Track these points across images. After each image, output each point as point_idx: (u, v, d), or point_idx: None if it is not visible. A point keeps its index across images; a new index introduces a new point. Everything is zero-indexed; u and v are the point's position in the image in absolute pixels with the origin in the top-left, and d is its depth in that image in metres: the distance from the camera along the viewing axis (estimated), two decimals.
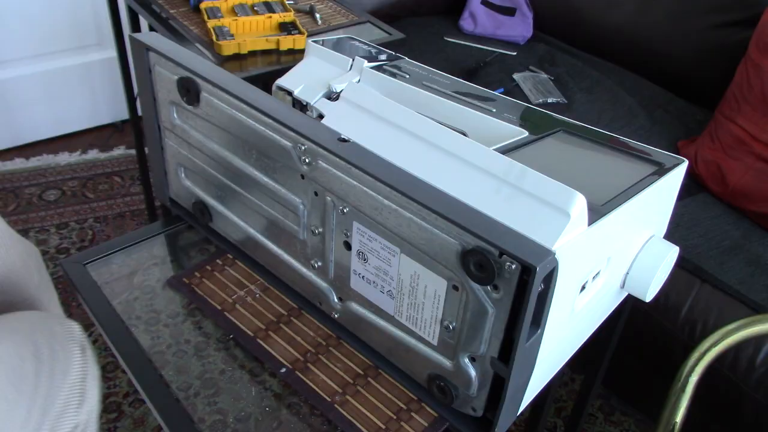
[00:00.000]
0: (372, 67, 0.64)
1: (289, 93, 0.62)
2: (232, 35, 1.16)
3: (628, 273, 0.58)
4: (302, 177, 0.52)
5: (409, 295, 0.49)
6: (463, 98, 0.63)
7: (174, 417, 0.53)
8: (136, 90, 1.47)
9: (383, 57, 0.68)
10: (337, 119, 0.53)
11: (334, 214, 0.52)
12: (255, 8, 1.23)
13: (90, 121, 2.11)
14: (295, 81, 0.63)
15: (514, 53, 1.73)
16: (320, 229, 0.54)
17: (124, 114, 2.12)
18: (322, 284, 0.57)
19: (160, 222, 0.73)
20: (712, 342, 0.68)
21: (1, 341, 0.47)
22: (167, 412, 0.54)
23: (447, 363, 0.49)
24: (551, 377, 0.56)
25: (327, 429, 0.53)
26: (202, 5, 1.20)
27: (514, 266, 0.40)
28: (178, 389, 0.56)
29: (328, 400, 0.54)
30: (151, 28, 1.21)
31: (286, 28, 1.21)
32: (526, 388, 0.49)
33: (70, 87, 2.02)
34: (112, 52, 1.87)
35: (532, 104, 0.97)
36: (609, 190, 0.51)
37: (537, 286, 0.40)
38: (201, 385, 0.56)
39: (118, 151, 2.04)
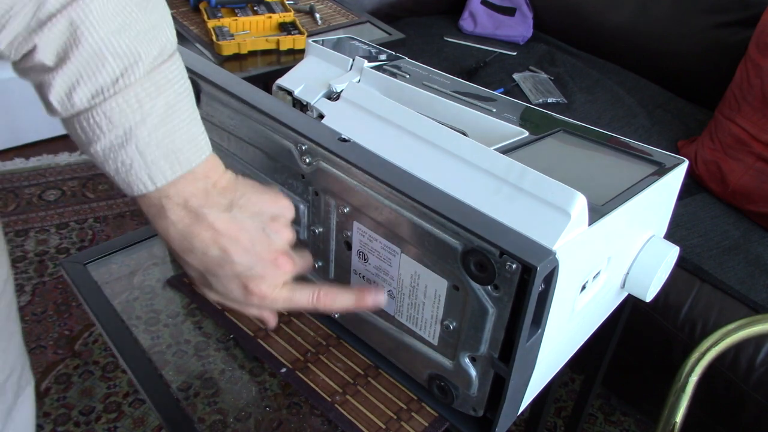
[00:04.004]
0: (372, 67, 0.64)
1: (290, 93, 0.62)
2: (232, 35, 1.16)
3: (628, 273, 0.58)
4: (302, 177, 0.52)
5: (409, 295, 0.49)
6: (463, 98, 0.63)
7: (174, 417, 0.53)
8: None
9: (383, 57, 0.68)
10: (338, 119, 0.53)
11: (335, 214, 0.52)
12: (255, 8, 1.23)
13: None
14: (296, 81, 0.63)
15: (514, 53, 1.73)
16: (320, 229, 0.54)
17: None
18: (323, 284, 0.57)
19: None
20: (712, 342, 0.68)
21: None
22: (167, 412, 0.54)
23: (447, 363, 0.49)
24: (551, 377, 0.56)
25: (327, 429, 0.53)
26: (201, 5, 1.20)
27: (514, 266, 0.40)
28: (178, 389, 0.56)
29: (328, 399, 0.54)
30: None
31: (286, 28, 1.21)
32: (526, 388, 0.49)
33: None
34: None
35: (532, 104, 0.97)
36: (609, 190, 0.51)
37: (537, 286, 0.40)
38: (201, 385, 0.56)
39: None
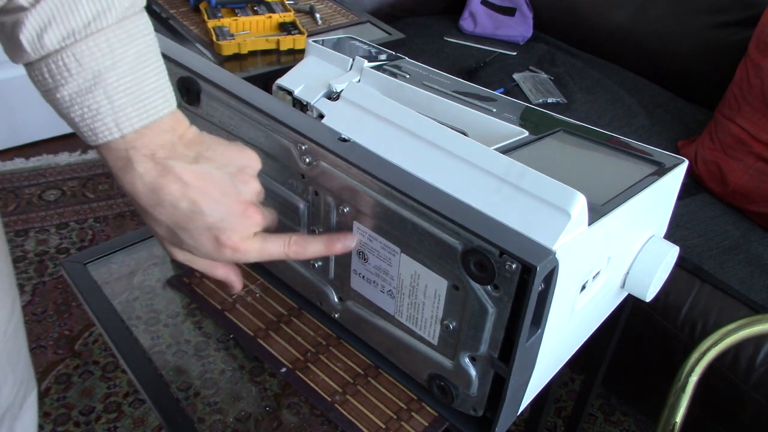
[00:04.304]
0: (372, 67, 0.64)
1: (290, 93, 0.62)
2: (232, 35, 1.16)
3: (628, 273, 0.58)
4: (302, 177, 0.52)
5: (409, 295, 0.49)
6: (464, 98, 0.63)
7: (174, 417, 0.53)
8: None
9: (383, 57, 0.68)
10: (338, 119, 0.53)
11: (334, 214, 0.52)
12: (255, 8, 1.23)
13: None
14: (296, 81, 0.63)
15: (514, 53, 1.73)
16: (320, 229, 0.54)
17: None
18: (323, 284, 0.57)
19: None
20: (712, 342, 0.68)
21: None
22: (167, 412, 0.54)
23: (447, 363, 0.49)
24: (551, 377, 0.56)
25: (327, 429, 0.53)
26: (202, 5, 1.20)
27: (514, 266, 0.40)
28: (178, 389, 0.56)
29: (328, 399, 0.54)
30: None
31: (286, 28, 1.21)
32: (526, 388, 0.49)
33: None
34: None
35: (532, 104, 0.97)
36: (609, 190, 0.51)
37: (537, 286, 0.40)
38: (201, 385, 0.56)
39: None
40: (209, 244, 0.41)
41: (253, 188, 0.43)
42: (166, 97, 0.40)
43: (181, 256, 0.44)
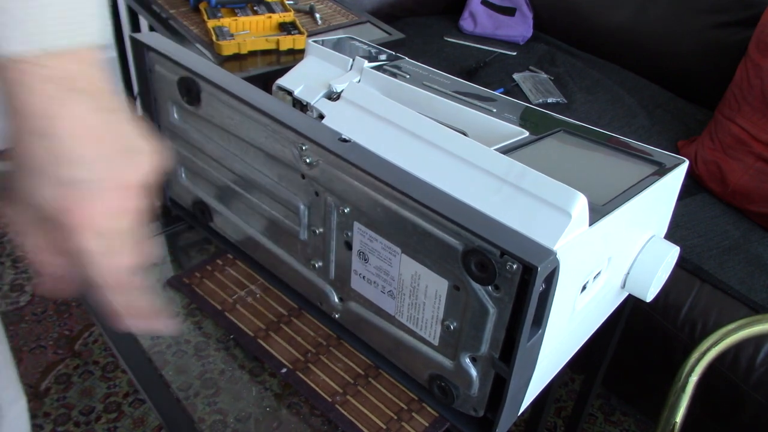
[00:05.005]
0: (372, 67, 0.64)
1: (290, 93, 0.62)
2: (232, 35, 1.16)
3: (628, 273, 0.58)
4: (303, 177, 0.52)
5: (409, 295, 0.49)
6: (464, 98, 0.63)
7: (174, 417, 0.53)
8: (136, 90, 1.47)
9: (383, 57, 0.68)
10: (338, 119, 0.53)
11: (335, 214, 0.52)
12: (255, 8, 1.22)
13: None
14: (296, 81, 0.63)
15: (514, 53, 1.73)
16: (321, 229, 0.54)
17: None
18: (323, 284, 0.57)
19: (160, 222, 0.72)
20: (712, 342, 0.68)
21: None
22: (167, 412, 0.54)
23: (448, 363, 0.49)
24: (552, 377, 0.56)
25: (327, 429, 0.53)
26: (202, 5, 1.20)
27: (515, 266, 0.40)
28: (178, 389, 0.56)
29: (329, 400, 0.54)
30: (151, 28, 1.21)
31: (286, 28, 1.21)
32: (527, 388, 0.49)
33: None
34: (112, 52, 1.87)
35: (532, 104, 0.97)
36: (610, 190, 0.51)
37: (538, 286, 0.40)
38: (201, 385, 0.56)
39: None
40: (59, 201, 0.33)
41: (144, 172, 0.36)
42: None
43: (11, 213, 0.35)
